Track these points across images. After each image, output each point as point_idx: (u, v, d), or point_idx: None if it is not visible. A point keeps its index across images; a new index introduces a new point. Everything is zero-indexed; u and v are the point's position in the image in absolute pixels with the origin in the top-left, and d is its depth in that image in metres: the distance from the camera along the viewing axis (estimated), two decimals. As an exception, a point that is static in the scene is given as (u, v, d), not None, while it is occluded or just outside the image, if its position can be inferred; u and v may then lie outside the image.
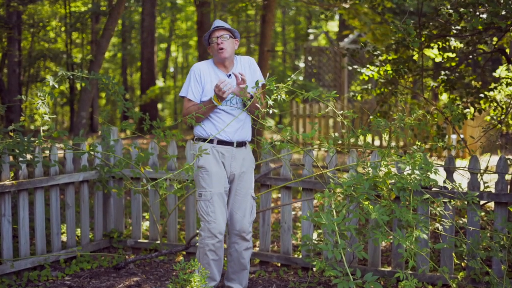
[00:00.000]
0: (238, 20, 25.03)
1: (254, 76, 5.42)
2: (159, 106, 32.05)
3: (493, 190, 5.62)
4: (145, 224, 8.23)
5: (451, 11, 6.45)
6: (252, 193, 5.49)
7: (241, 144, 5.37)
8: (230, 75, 5.35)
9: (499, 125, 7.51)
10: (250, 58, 5.53)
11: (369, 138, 16.39)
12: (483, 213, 5.43)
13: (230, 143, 5.30)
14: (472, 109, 7.63)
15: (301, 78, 20.46)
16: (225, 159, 5.30)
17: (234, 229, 5.45)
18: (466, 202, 5.34)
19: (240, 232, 5.43)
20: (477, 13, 6.31)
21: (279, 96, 5.09)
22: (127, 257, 6.85)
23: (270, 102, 5.04)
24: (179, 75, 39.09)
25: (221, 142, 5.29)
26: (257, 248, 6.98)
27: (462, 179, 6.24)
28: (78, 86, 23.95)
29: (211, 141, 5.26)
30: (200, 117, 5.24)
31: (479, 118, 13.10)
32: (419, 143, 5.57)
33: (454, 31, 7.29)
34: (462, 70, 7.99)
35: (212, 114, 5.28)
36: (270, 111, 5.15)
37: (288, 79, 5.10)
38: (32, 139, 5.80)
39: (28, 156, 6.12)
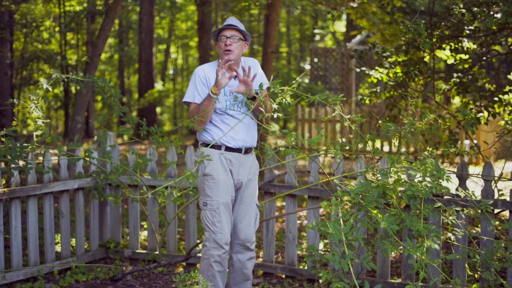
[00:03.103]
0: (241, 20, 25.08)
1: (257, 79, 5.41)
2: (158, 110, 32.12)
3: (508, 198, 5.62)
4: (143, 234, 8.23)
5: (464, 10, 6.46)
6: (257, 201, 5.49)
7: (248, 150, 5.37)
8: (236, 77, 5.34)
9: (514, 130, 7.51)
10: (254, 60, 5.52)
11: (378, 143, 16.40)
12: (497, 222, 5.43)
13: (238, 150, 5.30)
14: (486, 113, 7.63)
15: (306, 80, 20.46)
16: (233, 166, 5.29)
17: (238, 239, 5.45)
18: (479, 211, 5.34)
19: (244, 242, 5.43)
20: (491, 13, 6.32)
21: (283, 100, 5.10)
22: (124, 268, 6.85)
23: (275, 106, 5.05)
24: (179, 77, 39.16)
25: (229, 149, 5.28)
26: (260, 259, 6.98)
27: (475, 186, 6.25)
28: (73, 89, 24.02)
29: (219, 148, 5.27)
30: (203, 121, 5.21)
31: (493, 123, 13.12)
32: (430, 149, 5.58)
33: (467, 32, 7.30)
34: (475, 73, 8.00)
35: (218, 119, 5.26)
36: (275, 115, 5.16)
37: (293, 81, 5.11)
38: (25, 144, 5.82)
39: (21, 163, 6.13)
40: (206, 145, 5.29)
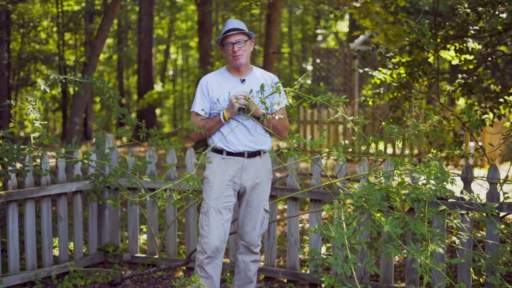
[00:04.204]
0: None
1: (274, 97, 5.34)
2: (158, 111, 32.10)
3: (513, 201, 5.60)
4: (143, 238, 8.23)
5: (468, 10, 6.46)
6: (266, 206, 5.48)
7: (254, 154, 5.36)
8: (244, 80, 5.33)
9: (520, 132, 7.49)
10: (274, 77, 5.48)
11: (381, 145, 16.40)
12: (502, 226, 5.43)
13: (240, 154, 5.30)
14: (491, 115, 7.63)
15: (308, 81, 20.49)
16: (235, 170, 5.30)
17: (242, 240, 5.50)
18: (484, 214, 5.33)
19: (248, 245, 5.47)
20: (497, 13, 6.32)
21: (285, 101, 5.09)
22: (123, 272, 6.85)
23: (276, 107, 5.06)
24: (179, 78, 39.15)
25: (230, 154, 5.28)
26: (262, 263, 6.98)
27: (480, 189, 6.24)
28: (71, 90, 24.03)
29: (220, 152, 5.28)
30: (202, 134, 5.24)
31: (498, 125, 13.11)
32: (434, 151, 5.57)
33: (472, 32, 7.30)
34: (480, 73, 7.99)
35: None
36: (276, 117, 5.16)
37: (295, 82, 5.11)
38: (22, 146, 5.81)
39: (18, 165, 6.13)
40: (212, 149, 5.33)
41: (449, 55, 8.38)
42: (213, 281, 5.32)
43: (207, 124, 5.22)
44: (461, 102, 8.61)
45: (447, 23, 7.54)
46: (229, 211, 5.33)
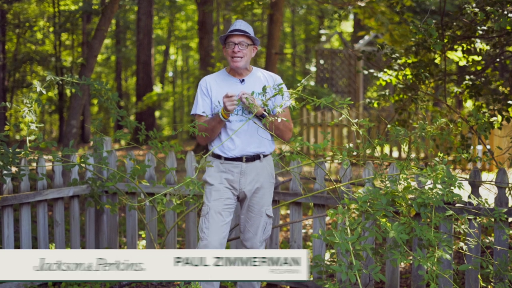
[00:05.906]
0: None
1: (277, 98, 5.34)
2: (157, 114, 32.15)
3: (522, 206, 5.59)
4: (141, 243, 8.24)
5: (476, 10, 6.46)
6: (268, 211, 5.48)
7: (252, 158, 5.36)
8: (243, 80, 5.33)
9: (530, 135, 7.48)
10: (277, 77, 5.47)
11: (386, 149, 16.39)
12: (511, 232, 5.43)
13: (238, 159, 5.30)
14: (499, 117, 7.62)
15: (312, 83, 20.47)
16: (234, 176, 5.31)
17: (244, 246, 5.53)
18: (493, 219, 5.33)
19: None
20: (505, 12, 6.32)
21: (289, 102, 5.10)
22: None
23: (279, 109, 5.06)
24: (179, 80, 39.18)
25: (228, 159, 5.29)
26: (263, 270, 6.97)
27: (488, 194, 6.24)
28: (68, 92, 24.05)
29: (219, 158, 5.28)
30: (208, 137, 5.23)
31: (507, 127, 13.10)
32: (441, 155, 5.57)
33: (480, 32, 7.30)
34: (488, 75, 7.99)
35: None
36: (279, 120, 5.16)
37: (298, 84, 5.11)
38: (18, 150, 5.81)
39: (13, 169, 6.14)
40: (212, 153, 5.33)
41: (456, 56, 8.37)
42: (213, 286, 5.33)
43: (208, 126, 5.20)
44: (469, 104, 8.60)
45: (454, 23, 7.54)
46: (229, 214, 5.33)
